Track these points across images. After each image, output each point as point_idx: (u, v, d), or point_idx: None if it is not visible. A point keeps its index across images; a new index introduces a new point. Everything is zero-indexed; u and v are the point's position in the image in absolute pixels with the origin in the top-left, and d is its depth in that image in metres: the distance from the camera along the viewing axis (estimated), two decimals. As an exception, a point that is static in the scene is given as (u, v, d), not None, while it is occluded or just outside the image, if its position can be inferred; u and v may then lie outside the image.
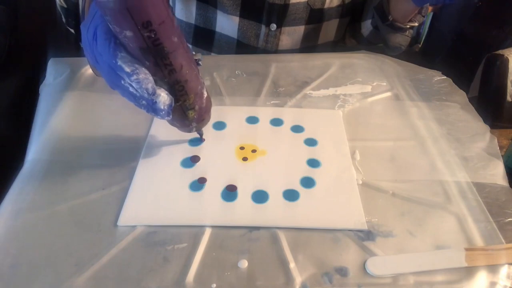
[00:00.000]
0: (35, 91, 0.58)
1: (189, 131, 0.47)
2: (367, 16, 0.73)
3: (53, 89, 0.58)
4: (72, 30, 0.52)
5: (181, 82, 0.40)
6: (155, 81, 0.38)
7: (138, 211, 0.42)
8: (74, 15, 0.51)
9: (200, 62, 0.43)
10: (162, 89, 0.39)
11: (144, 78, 0.37)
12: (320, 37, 0.74)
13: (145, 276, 0.37)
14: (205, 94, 0.44)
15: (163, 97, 0.39)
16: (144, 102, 0.38)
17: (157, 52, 0.37)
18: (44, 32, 0.78)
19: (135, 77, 0.37)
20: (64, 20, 0.52)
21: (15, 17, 0.69)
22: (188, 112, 0.43)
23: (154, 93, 0.38)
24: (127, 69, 0.36)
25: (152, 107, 0.39)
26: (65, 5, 0.50)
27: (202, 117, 0.45)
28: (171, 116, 0.40)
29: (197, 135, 0.50)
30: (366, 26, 0.74)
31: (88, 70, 0.62)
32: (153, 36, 0.36)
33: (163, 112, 0.39)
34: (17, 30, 0.69)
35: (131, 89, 0.38)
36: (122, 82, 0.37)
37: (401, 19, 0.66)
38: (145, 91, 0.37)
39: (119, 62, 0.36)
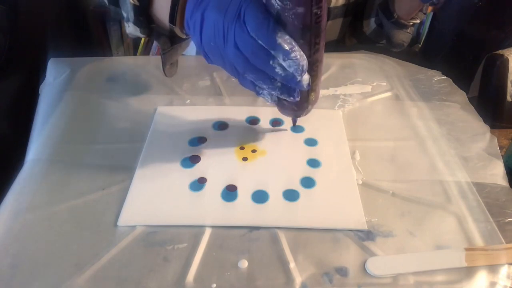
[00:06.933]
0: (35, 91, 0.58)
1: (299, 115, 0.46)
2: (370, 15, 0.74)
3: (53, 89, 0.58)
4: (138, 30, 0.48)
5: (318, 62, 0.40)
6: None
7: (138, 211, 0.42)
8: (143, 10, 0.48)
9: None
10: None
11: (301, 55, 0.37)
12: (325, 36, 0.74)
13: (145, 276, 0.37)
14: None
15: (306, 75, 0.39)
16: (279, 83, 0.39)
17: (314, 30, 0.37)
18: (44, 32, 0.77)
19: (293, 54, 0.36)
20: (132, 18, 0.47)
21: (15, 17, 0.69)
22: (311, 93, 0.43)
23: (305, 72, 0.38)
24: (286, 47, 0.36)
25: (290, 88, 0.39)
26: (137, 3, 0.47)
27: (316, 100, 0.45)
28: (299, 98, 0.40)
29: (195, 137, 0.50)
30: (370, 24, 0.74)
31: (89, 70, 0.62)
32: (318, 12, 0.36)
33: (296, 93, 0.40)
34: (17, 30, 0.69)
35: (277, 69, 0.37)
36: (271, 62, 0.37)
37: (405, 16, 0.67)
38: (299, 69, 0.37)
39: (279, 41, 0.36)
